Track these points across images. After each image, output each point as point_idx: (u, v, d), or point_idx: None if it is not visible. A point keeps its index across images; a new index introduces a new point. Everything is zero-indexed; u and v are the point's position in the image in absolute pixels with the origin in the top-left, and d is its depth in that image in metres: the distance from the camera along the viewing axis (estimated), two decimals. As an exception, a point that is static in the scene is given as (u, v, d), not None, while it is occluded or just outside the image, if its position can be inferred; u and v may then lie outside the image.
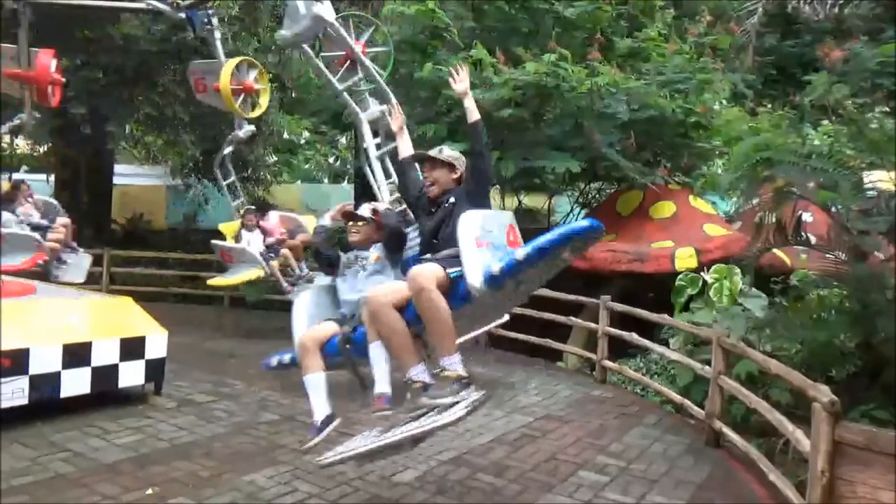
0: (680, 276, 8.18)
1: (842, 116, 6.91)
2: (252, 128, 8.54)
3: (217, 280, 9.29)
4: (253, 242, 8.91)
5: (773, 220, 6.02)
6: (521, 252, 3.00)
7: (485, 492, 4.35)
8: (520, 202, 12.24)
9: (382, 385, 3.34)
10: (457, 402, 3.09)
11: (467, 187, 3.61)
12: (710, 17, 12.25)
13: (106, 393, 5.62)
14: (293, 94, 13.46)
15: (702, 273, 8.04)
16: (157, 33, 10.24)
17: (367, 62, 6.33)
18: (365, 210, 3.94)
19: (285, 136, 16.21)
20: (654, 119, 9.30)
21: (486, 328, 6.54)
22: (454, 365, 3.17)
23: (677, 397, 6.37)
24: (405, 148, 4.10)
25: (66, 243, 7.63)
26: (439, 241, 3.49)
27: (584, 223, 3.01)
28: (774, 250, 7.09)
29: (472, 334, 6.50)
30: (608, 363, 7.60)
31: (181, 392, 6.34)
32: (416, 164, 4.07)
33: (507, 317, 6.80)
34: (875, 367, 5.40)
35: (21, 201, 7.57)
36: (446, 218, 3.48)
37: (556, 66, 8.83)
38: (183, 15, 6.73)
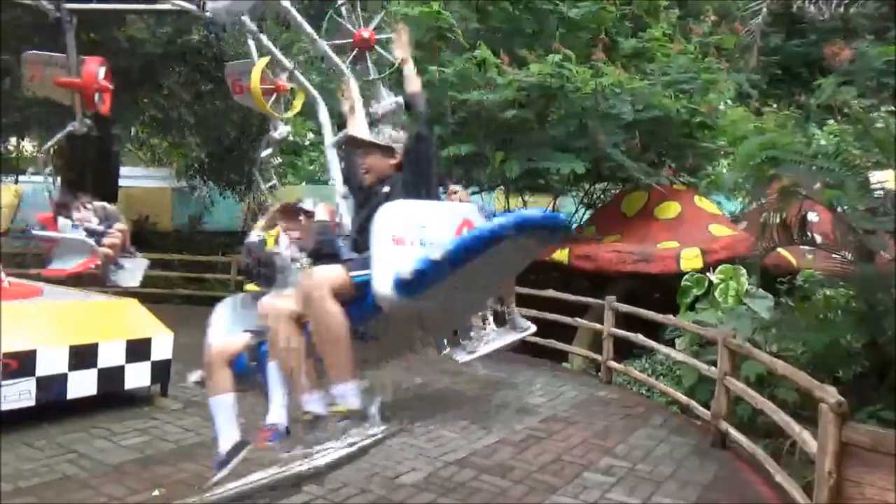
0: (686, 277, 8.16)
1: (848, 116, 6.89)
2: (288, 128, 8.16)
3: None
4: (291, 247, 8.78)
5: (778, 219, 6.00)
6: (439, 251, 2.45)
7: (490, 493, 4.34)
8: (524, 203, 12.23)
9: (273, 414, 2.86)
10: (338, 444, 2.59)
11: (405, 174, 3.03)
12: (715, 16, 12.26)
13: (112, 394, 5.64)
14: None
15: (707, 273, 8.03)
16: (162, 36, 10.26)
17: (327, 49, 5.84)
18: (309, 204, 3.62)
19: (290, 137, 16.23)
20: (659, 119, 9.29)
21: (519, 336, 6.27)
22: (346, 396, 2.60)
23: (683, 398, 6.35)
24: (357, 133, 3.57)
25: (123, 248, 7.76)
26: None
27: (530, 214, 2.51)
28: (780, 250, 7.07)
29: (506, 342, 6.16)
30: (613, 364, 7.58)
31: (187, 393, 6.33)
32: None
33: (533, 327, 6.44)
34: (882, 367, 5.38)
35: (78, 207, 7.77)
36: (375, 211, 2.81)
37: (560, 66, 8.83)
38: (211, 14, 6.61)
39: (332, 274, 2.67)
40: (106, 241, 7.45)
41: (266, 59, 6.78)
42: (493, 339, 6.00)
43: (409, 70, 3.14)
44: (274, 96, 6.83)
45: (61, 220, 7.39)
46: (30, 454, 4.57)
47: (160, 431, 5.25)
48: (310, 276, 2.66)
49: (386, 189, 3.02)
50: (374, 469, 4.59)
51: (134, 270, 7.89)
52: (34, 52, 6.12)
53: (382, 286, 2.51)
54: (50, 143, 8.58)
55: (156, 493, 4.11)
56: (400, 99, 5.97)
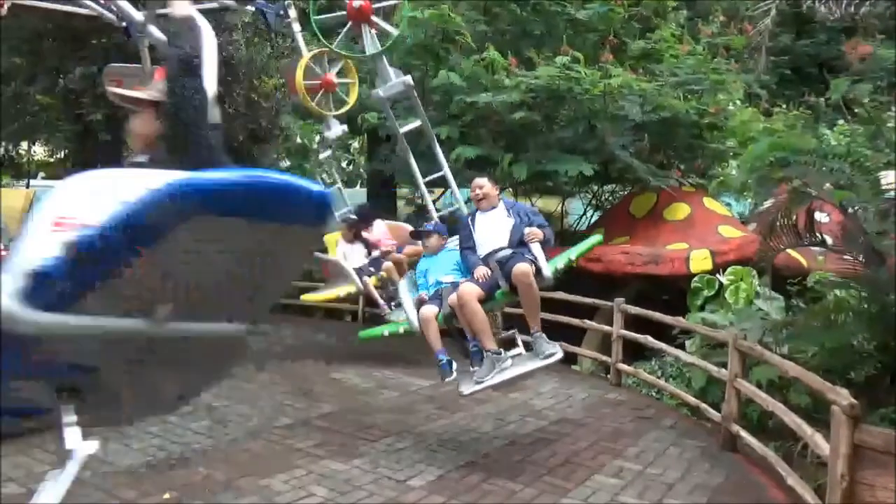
0: (696, 278, 8.13)
1: (858, 116, 6.86)
2: (343, 127, 7.36)
3: (311, 296, 8.77)
4: (350, 255, 8.21)
5: (787, 220, 5.97)
6: (67, 236, 1.60)
7: (500, 495, 4.34)
8: (533, 205, 12.23)
9: None
10: None
11: (162, 135, 2.20)
12: (724, 17, 12.23)
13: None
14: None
15: (717, 275, 8.00)
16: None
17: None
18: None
19: (298, 140, 16.25)
20: (668, 120, 9.28)
21: (540, 364, 4.82)
22: None
23: (693, 400, 6.32)
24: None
25: None
26: None
27: (244, 175, 1.68)
28: (790, 251, 7.03)
29: (525, 370, 4.82)
30: (623, 366, 7.56)
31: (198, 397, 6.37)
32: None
33: (560, 353, 4.87)
34: (894, 369, 5.35)
35: None
36: None
37: (568, 68, 8.84)
38: (252, 9, 6.30)
39: None
40: None
41: (312, 53, 6.23)
42: (508, 366, 4.82)
43: None
44: (320, 93, 6.38)
45: None
46: (43, 457, 4.61)
47: (172, 435, 5.28)
48: None
49: (141, 158, 2.20)
50: (384, 472, 4.61)
51: None
52: (113, 64, 6.11)
53: (3, 292, 1.61)
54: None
55: (167, 496, 4.13)
56: (408, 78, 5.39)
